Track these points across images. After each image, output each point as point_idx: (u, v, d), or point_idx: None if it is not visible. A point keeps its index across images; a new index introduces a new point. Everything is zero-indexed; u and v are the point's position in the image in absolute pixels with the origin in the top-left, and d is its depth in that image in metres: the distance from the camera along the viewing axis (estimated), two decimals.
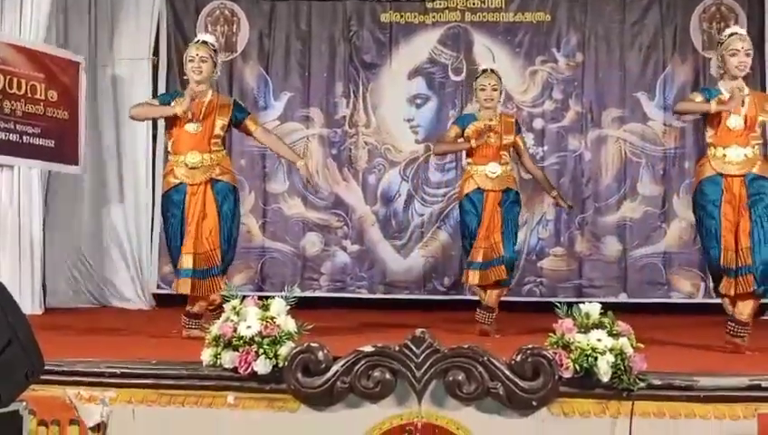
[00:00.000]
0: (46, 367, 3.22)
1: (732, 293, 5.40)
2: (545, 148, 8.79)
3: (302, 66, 8.99)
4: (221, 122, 5.88)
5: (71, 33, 8.56)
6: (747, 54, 5.44)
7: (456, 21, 8.90)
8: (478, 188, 6.46)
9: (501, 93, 6.69)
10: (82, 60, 8.23)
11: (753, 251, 5.32)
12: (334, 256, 8.90)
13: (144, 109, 6.15)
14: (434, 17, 8.91)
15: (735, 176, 5.43)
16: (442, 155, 8.15)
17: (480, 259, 6.38)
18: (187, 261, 5.72)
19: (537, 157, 8.70)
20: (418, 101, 8.82)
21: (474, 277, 6.44)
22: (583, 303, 4.04)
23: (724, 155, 5.45)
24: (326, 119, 8.95)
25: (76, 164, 8.05)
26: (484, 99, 6.53)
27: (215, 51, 5.96)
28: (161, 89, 8.57)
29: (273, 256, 8.89)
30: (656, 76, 8.71)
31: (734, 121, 5.43)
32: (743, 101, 5.45)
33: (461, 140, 6.55)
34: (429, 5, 8.90)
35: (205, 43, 5.94)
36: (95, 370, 4.13)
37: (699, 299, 8.31)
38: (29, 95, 7.60)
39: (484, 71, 6.63)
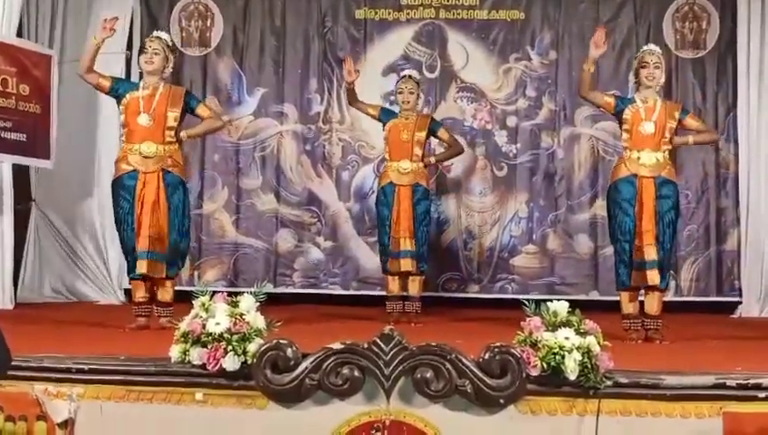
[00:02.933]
0: (14, 363, 3.21)
1: (640, 284, 5.92)
2: (518, 145, 8.82)
3: (277, 62, 8.97)
4: (173, 114, 6.10)
5: (42, 26, 8.49)
6: (656, 67, 6.00)
7: (430, 18, 8.90)
8: (391, 183, 7.23)
9: (419, 97, 7.53)
10: (54, 54, 8.17)
11: (656, 248, 5.81)
12: (307, 252, 8.89)
13: (83, 56, 6.29)
14: (408, 14, 8.91)
15: (647, 177, 5.90)
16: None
17: (396, 248, 7.13)
18: (143, 243, 5.91)
19: (510, 154, 8.78)
20: (393, 97, 8.79)
21: (395, 265, 7.18)
22: (553, 301, 4.07)
23: (639, 157, 5.95)
24: (300, 115, 8.94)
25: (48, 158, 7.98)
26: (401, 101, 7.38)
27: (168, 46, 6.23)
28: None
29: (245, 252, 8.86)
30: (629, 74, 8.68)
31: (647, 127, 5.92)
32: (654, 108, 5.96)
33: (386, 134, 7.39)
34: (404, 2, 8.88)
35: (158, 37, 6.25)
36: (63, 366, 4.12)
37: (669, 298, 8.34)
38: (0, 89, 7.53)
39: (403, 77, 7.51)
